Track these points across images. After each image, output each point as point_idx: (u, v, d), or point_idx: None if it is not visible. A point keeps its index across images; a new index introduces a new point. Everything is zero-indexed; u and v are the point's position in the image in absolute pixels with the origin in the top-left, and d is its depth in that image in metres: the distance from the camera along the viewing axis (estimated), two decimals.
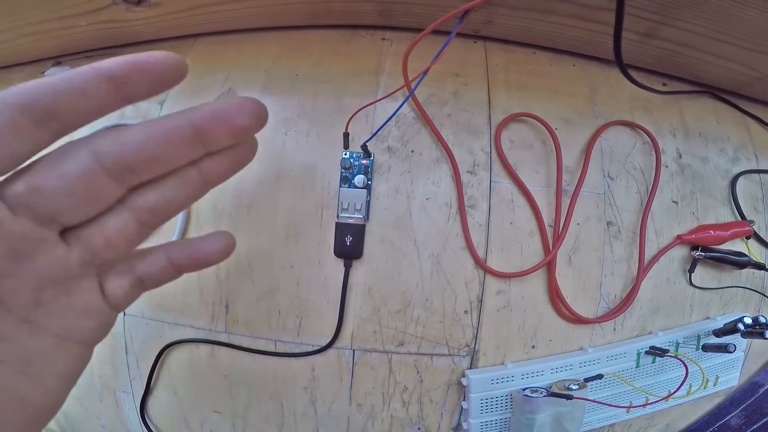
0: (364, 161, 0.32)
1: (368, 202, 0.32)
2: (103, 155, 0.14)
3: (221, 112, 0.15)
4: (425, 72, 0.28)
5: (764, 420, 0.39)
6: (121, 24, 0.36)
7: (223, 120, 0.15)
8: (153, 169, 0.15)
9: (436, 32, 0.27)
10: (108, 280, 0.17)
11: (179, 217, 0.33)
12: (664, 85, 0.40)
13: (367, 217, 0.32)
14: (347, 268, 0.32)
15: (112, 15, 0.35)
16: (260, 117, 0.15)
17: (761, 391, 0.39)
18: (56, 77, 0.14)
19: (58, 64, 0.40)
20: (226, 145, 0.16)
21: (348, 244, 0.32)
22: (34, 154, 0.14)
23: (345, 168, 0.32)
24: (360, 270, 0.33)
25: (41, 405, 0.16)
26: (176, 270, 0.18)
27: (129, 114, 0.37)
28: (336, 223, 0.32)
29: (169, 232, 0.33)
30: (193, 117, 0.15)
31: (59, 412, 0.38)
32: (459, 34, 0.37)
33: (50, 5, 0.34)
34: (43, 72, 0.39)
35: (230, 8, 0.35)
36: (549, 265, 0.33)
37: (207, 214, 0.34)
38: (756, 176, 0.39)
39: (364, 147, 0.31)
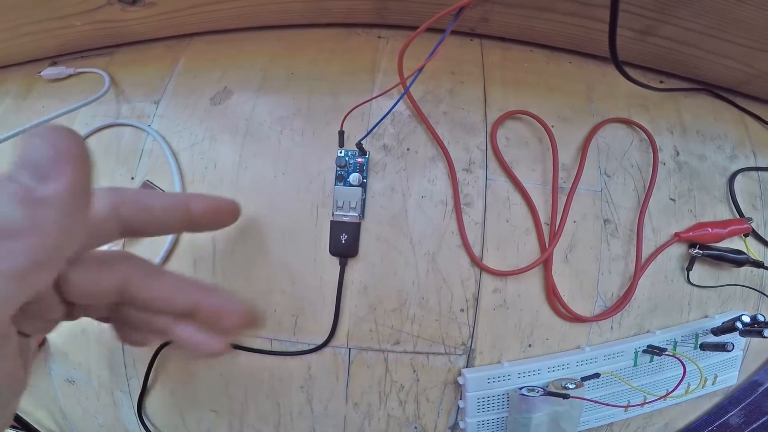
0: (360, 159, 0.32)
1: (364, 200, 0.32)
2: (128, 288, 0.17)
3: (223, 304, 0.18)
4: (420, 69, 0.28)
5: (764, 419, 0.38)
6: (116, 24, 0.36)
7: (219, 314, 0.18)
8: (147, 309, 0.18)
9: (433, 30, 0.27)
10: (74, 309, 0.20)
11: None
12: (661, 82, 0.40)
13: (362, 215, 0.32)
14: (343, 266, 0.32)
15: (107, 15, 0.35)
16: (248, 324, 0.19)
17: (760, 389, 0.39)
18: (159, 201, 0.18)
19: (54, 64, 0.40)
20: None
21: (343, 242, 0.32)
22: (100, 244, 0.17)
23: (340, 166, 0.32)
24: (355, 268, 0.33)
25: (20, 380, 0.18)
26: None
27: (124, 114, 0.37)
28: (331, 221, 0.32)
29: None
30: (204, 300, 0.18)
31: (58, 413, 0.38)
32: (455, 33, 0.37)
33: (46, 5, 0.34)
34: (39, 72, 0.39)
35: (225, 7, 0.35)
36: (545, 263, 0.33)
37: None
38: (754, 174, 0.39)
39: (359, 145, 0.31)
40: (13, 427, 0.37)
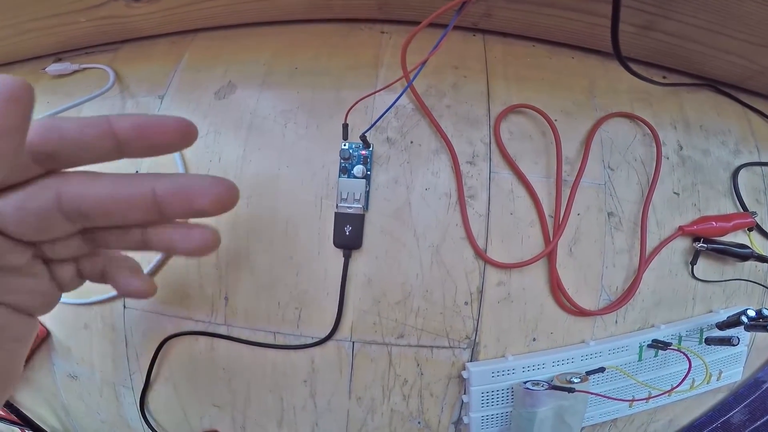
0: (364, 152, 0.32)
1: (367, 192, 0.32)
2: (66, 201, 0.15)
3: (187, 188, 0.16)
4: (424, 63, 0.28)
5: (767, 417, 0.38)
6: (120, 20, 0.37)
7: (185, 198, 0.16)
8: (107, 221, 0.16)
9: (436, 25, 0.27)
10: (56, 267, 0.18)
11: None
12: (663, 77, 0.40)
13: (366, 207, 0.32)
14: (346, 258, 0.32)
15: (111, 11, 0.35)
16: (224, 202, 0.16)
17: (764, 386, 0.38)
18: (71, 122, 0.15)
19: (59, 60, 0.41)
20: (184, 218, 0.17)
21: (347, 234, 0.31)
22: (20, 180, 0.15)
23: (344, 158, 0.32)
24: (359, 261, 0.33)
25: (3, 367, 0.17)
26: (104, 279, 0.20)
27: (129, 108, 0.37)
28: (335, 213, 0.32)
29: None
30: (158, 187, 0.16)
31: (60, 409, 0.38)
32: (458, 28, 0.37)
33: (50, 2, 0.34)
34: (44, 69, 0.39)
35: (228, 2, 0.35)
36: (549, 256, 0.33)
37: None
38: (758, 169, 0.39)
39: (363, 137, 0.31)
40: (15, 423, 0.37)
